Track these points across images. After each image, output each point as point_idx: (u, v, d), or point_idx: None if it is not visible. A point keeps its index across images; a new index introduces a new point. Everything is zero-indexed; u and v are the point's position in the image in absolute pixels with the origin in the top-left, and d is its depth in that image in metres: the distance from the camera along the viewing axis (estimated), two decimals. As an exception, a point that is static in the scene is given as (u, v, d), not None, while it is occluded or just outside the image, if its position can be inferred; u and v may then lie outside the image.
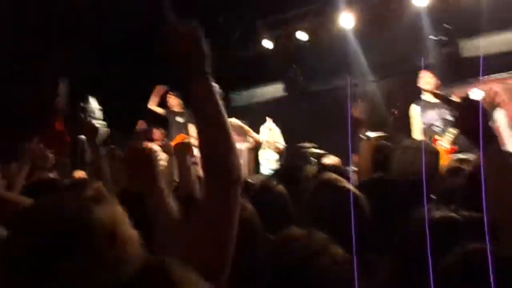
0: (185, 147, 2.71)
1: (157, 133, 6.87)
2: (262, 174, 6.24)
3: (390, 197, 1.63)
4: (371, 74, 7.80)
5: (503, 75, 5.95)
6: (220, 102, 1.10)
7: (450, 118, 4.62)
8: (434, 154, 2.22)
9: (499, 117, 5.61)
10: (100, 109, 7.87)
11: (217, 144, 1.08)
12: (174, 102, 6.80)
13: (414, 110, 5.13)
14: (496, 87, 5.79)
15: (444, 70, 6.30)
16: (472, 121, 1.39)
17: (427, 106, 4.90)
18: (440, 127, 4.81)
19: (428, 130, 4.82)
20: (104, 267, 0.82)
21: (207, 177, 1.08)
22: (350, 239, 1.47)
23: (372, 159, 2.59)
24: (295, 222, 1.76)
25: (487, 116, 1.38)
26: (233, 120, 6.89)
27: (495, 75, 5.89)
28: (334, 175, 1.77)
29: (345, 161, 4.78)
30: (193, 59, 1.08)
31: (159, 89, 6.88)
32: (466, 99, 1.46)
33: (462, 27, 6.74)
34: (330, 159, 5.15)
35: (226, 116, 1.10)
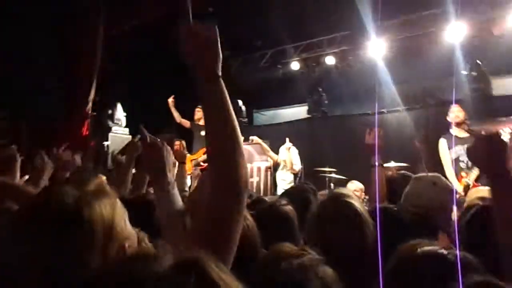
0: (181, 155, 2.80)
1: (177, 145, 6.97)
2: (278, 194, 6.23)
3: (392, 227, 1.60)
4: (398, 103, 7.73)
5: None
6: (230, 105, 1.08)
7: None
8: (446, 190, 2.16)
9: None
10: (125, 116, 8.09)
11: (224, 150, 1.06)
12: (200, 115, 6.91)
13: (442, 144, 5.04)
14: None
15: (474, 107, 6.20)
16: (480, 153, 1.38)
17: (455, 140, 4.81)
18: (465, 163, 4.71)
19: (455, 165, 4.74)
20: (98, 257, 0.85)
21: (214, 184, 1.05)
22: (348, 256, 1.45)
23: (387, 188, 2.53)
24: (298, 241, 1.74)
25: (502, 152, 1.36)
26: (255, 138, 6.92)
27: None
28: (345, 191, 1.76)
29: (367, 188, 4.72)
30: (207, 59, 1.08)
31: (171, 101, 7.08)
32: (486, 134, 1.43)
33: (495, 65, 6.63)
34: (354, 185, 5.08)
35: (236, 121, 1.08)
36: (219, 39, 1.09)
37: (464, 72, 6.69)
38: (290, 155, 6.49)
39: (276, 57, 9.02)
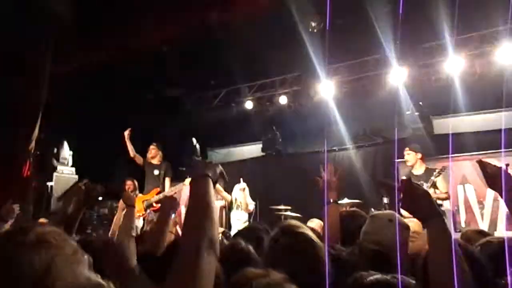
0: (173, 203, 2.76)
1: (129, 184, 6.73)
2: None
3: (348, 263, 1.61)
4: (348, 141, 8.01)
5: (473, 154, 6.17)
6: (213, 197, 1.32)
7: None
8: (403, 227, 2.21)
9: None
10: (71, 154, 7.74)
11: (202, 228, 1.20)
12: (154, 153, 6.73)
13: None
14: (466, 165, 6.04)
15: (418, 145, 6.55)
16: (408, 200, 1.49)
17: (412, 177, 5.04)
18: None
19: None
20: None
21: (186, 244, 1.18)
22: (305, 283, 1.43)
23: (340, 225, 2.54)
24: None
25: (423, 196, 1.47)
26: None
27: (466, 153, 6.12)
28: (296, 222, 1.76)
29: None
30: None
31: (127, 134, 6.80)
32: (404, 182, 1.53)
33: (434, 106, 7.11)
34: (314, 223, 5.06)
35: (214, 208, 1.28)
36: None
37: (408, 112, 7.11)
38: (244, 195, 6.46)
39: (230, 96, 9.15)
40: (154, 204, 6.45)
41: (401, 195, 1.50)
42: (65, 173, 7.47)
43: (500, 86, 6.36)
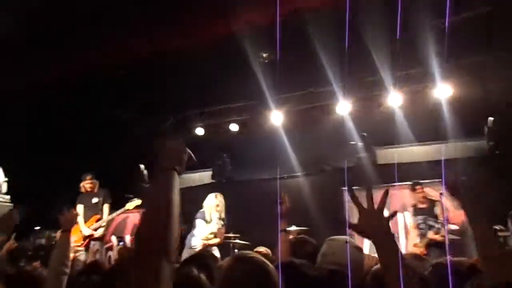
0: (71, 217, 2.68)
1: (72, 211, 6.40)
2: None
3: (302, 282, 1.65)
4: (296, 169, 8.18)
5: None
6: (176, 195, 1.24)
7: None
8: (358, 248, 2.34)
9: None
10: (6, 181, 7.23)
11: (158, 226, 1.15)
12: (91, 186, 6.50)
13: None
14: (405, 193, 6.38)
15: (362, 174, 6.85)
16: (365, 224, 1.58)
17: (417, 211, 5.32)
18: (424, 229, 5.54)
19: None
20: None
21: (140, 253, 1.11)
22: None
23: (291, 252, 2.60)
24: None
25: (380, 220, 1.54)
26: None
27: (407, 182, 6.46)
28: (249, 252, 1.77)
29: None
30: (174, 161, 1.29)
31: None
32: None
33: (378, 137, 7.50)
34: (261, 250, 5.04)
35: (176, 207, 1.22)
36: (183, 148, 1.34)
37: (352, 143, 7.43)
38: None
39: (181, 122, 9.08)
40: (94, 232, 6.18)
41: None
42: (-1, 201, 6.97)
43: (437, 120, 6.87)
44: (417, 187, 5.55)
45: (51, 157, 7.49)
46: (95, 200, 6.41)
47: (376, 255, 1.81)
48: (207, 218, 5.96)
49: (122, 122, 9.18)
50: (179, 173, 1.27)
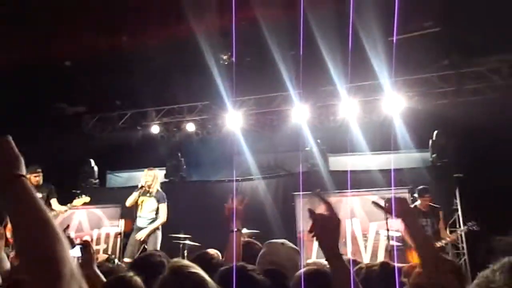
0: None
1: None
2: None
3: (247, 284, 1.68)
4: (252, 172, 8.23)
5: (362, 191, 6.78)
6: (39, 202, 1.02)
7: None
8: (293, 249, 2.45)
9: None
10: None
11: (41, 245, 0.97)
12: (38, 179, 6.13)
13: None
14: (354, 200, 6.61)
15: (315, 180, 7.02)
16: (319, 231, 1.62)
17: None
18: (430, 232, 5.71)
19: None
20: None
21: (32, 278, 0.95)
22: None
23: (241, 254, 2.63)
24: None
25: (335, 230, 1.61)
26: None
27: (355, 189, 6.69)
28: (185, 262, 1.76)
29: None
30: (5, 166, 1.06)
31: None
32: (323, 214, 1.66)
33: (332, 145, 7.72)
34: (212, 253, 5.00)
35: (48, 215, 1.01)
36: (11, 147, 1.10)
37: (307, 149, 7.60)
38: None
39: (136, 119, 8.89)
40: None
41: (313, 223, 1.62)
42: None
43: (388, 131, 7.18)
44: (426, 194, 5.85)
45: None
46: (39, 195, 6.09)
47: (323, 261, 1.89)
48: None
49: (75, 116, 8.86)
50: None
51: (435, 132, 7.14)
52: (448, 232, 6.10)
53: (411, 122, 7.33)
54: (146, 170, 6.12)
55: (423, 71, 7.41)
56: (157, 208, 5.96)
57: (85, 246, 2.39)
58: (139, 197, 5.97)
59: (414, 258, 5.05)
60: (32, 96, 7.17)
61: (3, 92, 6.91)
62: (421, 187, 5.95)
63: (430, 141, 7.21)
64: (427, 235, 2.02)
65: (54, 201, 6.18)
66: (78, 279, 0.98)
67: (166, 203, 6.03)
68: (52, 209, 5.99)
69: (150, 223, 5.93)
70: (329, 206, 1.64)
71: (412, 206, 5.71)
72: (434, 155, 7.10)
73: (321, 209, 1.67)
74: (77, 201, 6.19)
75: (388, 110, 7.45)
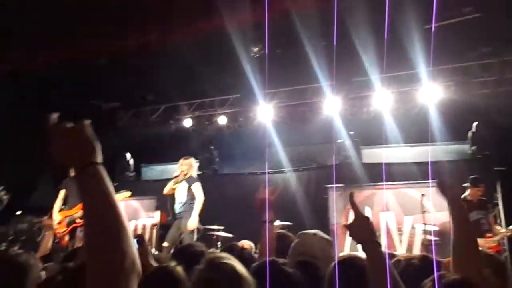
0: None
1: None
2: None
3: (279, 280, 1.67)
4: (283, 164, 8.22)
5: (397, 184, 6.62)
6: (112, 193, 1.02)
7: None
8: (325, 239, 2.42)
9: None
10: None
11: (109, 239, 0.98)
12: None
13: None
14: (388, 193, 6.47)
15: (348, 172, 6.92)
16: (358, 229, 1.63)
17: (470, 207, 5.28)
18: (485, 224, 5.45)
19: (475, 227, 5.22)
20: None
21: (95, 267, 0.97)
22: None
23: (275, 246, 2.63)
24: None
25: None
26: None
27: (391, 183, 6.55)
28: (223, 254, 1.77)
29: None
30: (76, 151, 1.06)
31: None
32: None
33: (365, 137, 7.57)
34: (244, 244, 5.04)
35: (119, 209, 1.02)
36: (88, 131, 1.09)
37: (339, 141, 7.49)
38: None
39: (169, 113, 9.05)
40: (78, 220, 6.11)
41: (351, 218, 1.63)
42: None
43: (424, 122, 6.97)
44: (480, 184, 5.56)
45: (31, 143, 7.39)
46: None
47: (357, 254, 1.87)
48: None
49: (110, 111, 9.12)
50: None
51: (475, 123, 6.85)
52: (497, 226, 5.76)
53: (448, 113, 7.07)
54: (182, 159, 6.19)
55: (462, 60, 7.12)
56: (188, 190, 5.97)
57: (141, 239, 2.46)
58: (174, 184, 6.05)
59: None
60: (68, 94, 7.42)
61: (40, 91, 7.20)
62: (474, 176, 5.56)
63: (470, 133, 6.93)
64: (470, 226, 1.91)
65: None
66: (138, 272, 0.99)
67: (198, 182, 6.05)
68: None
69: (182, 205, 5.96)
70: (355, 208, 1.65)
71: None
72: (474, 147, 6.82)
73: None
74: (119, 196, 6.35)
75: (424, 101, 7.22)
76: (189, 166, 6.10)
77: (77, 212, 6.10)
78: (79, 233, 5.91)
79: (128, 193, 6.35)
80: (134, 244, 1.01)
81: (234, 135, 8.66)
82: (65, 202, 6.16)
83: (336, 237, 5.72)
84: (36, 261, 1.93)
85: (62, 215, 5.93)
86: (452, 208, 1.90)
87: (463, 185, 5.64)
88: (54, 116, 1.10)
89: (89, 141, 1.07)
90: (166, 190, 6.09)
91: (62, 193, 6.12)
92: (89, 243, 1.00)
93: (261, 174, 7.90)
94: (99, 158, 1.05)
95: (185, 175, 6.04)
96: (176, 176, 6.06)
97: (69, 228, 5.96)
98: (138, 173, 9.03)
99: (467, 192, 5.42)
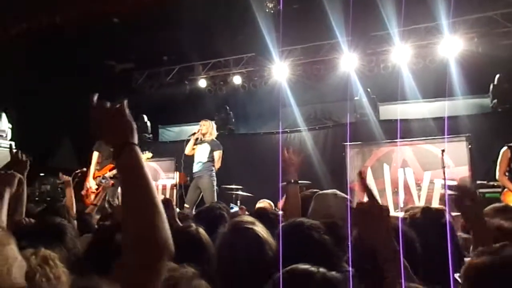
0: (8, 178, 2.51)
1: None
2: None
3: (303, 242, 1.69)
4: (299, 123, 8.19)
5: (415, 140, 6.56)
6: (147, 172, 1.05)
7: None
8: (345, 199, 2.36)
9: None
10: (10, 128, 7.29)
11: (144, 217, 1.01)
12: None
13: (506, 152, 4.78)
14: (406, 149, 6.44)
15: (365, 130, 6.86)
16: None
17: None
18: None
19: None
20: None
21: (130, 251, 0.99)
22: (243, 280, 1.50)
23: (300, 205, 2.65)
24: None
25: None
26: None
27: (407, 139, 6.49)
28: (247, 218, 1.79)
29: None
30: (120, 132, 1.10)
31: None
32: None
33: (382, 93, 7.43)
34: (262, 204, 5.14)
35: (153, 187, 1.05)
36: (127, 112, 1.12)
37: (356, 98, 7.37)
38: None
39: (183, 73, 8.99)
40: (109, 179, 6.32)
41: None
42: (3, 147, 7.05)
43: (443, 76, 6.78)
44: None
45: (52, 106, 7.49)
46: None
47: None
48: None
49: (124, 73, 9.10)
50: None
51: (497, 76, 6.64)
52: None
53: (469, 66, 6.85)
54: (202, 121, 6.24)
55: (485, 10, 6.80)
56: (210, 153, 6.06)
57: (168, 203, 2.51)
58: (195, 145, 6.13)
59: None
60: (83, 54, 7.40)
61: (54, 53, 7.19)
62: None
63: (491, 86, 6.73)
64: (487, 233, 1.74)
65: None
66: (170, 252, 1.02)
67: (221, 150, 6.13)
68: None
69: (202, 165, 6.05)
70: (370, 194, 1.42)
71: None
72: (495, 101, 6.65)
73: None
74: (145, 155, 6.50)
75: (444, 54, 6.99)
76: (208, 127, 6.15)
77: (107, 172, 6.31)
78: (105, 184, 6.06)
79: (150, 155, 6.45)
80: (166, 222, 1.03)
81: (249, 94, 8.59)
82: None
83: (355, 194, 5.77)
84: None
85: (95, 175, 6.16)
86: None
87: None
88: (95, 96, 1.13)
89: (128, 121, 1.11)
90: (187, 151, 6.16)
91: (95, 155, 6.27)
92: (126, 228, 1.02)
93: (278, 134, 7.91)
94: (135, 138, 1.10)
95: (203, 135, 6.10)
96: (194, 134, 6.12)
97: (100, 187, 6.10)
98: (155, 134, 9.12)
99: (504, 149, 5.06)
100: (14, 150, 2.50)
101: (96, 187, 6.03)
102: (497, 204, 2.17)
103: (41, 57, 7.28)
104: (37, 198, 7.07)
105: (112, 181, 6.04)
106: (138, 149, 1.08)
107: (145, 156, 6.34)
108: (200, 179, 5.99)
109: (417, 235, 1.62)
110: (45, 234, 1.65)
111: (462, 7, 6.26)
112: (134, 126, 1.11)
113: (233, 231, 1.69)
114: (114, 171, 6.27)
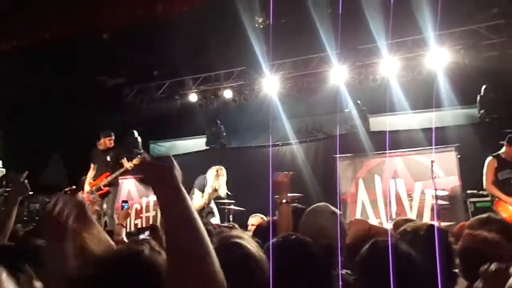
0: (21, 188, 2.53)
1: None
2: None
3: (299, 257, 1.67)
4: (290, 136, 8.22)
5: (405, 151, 6.61)
6: (193, 209, 1.05)
7: None
8: (334, 214, 2.37)
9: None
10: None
11: (191, 252, 0.98)
12: (110, 143, 6.62)
13: (491, 162, 5.02)
14: (397, 161, 6.48)
15: (355, 141, 6.91)
16: None
17: (504, 164, 4.99)
18: None
19: (504, 185, 4.92)
20: None
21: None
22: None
23: (291, 226, 2.66)
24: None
25: None
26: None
27: (399, 150, 6.54)
28: (236, 233, 1.76)
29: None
30: (167, 181, 1.09)
31: None
32: None
33: (371, 105, 7.51)
34: (255, 219, 5.09)
35: (200, 221, 1.03)
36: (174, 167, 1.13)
37: (346, 110, 7.44)
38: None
39: (174, 88, 9.00)
40: (102, 188, 6.48)
41: None
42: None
43: (431, 88, 6.88)
44: None
45: (41, 122, 7.42)
46: (108, 158, 6.60)
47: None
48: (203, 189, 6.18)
49: (115, 88, 9.08)
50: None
51: (484, 86, 6.76)
52: None
53: (456, 77, 6.97)
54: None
55: (470, 22, 6.95)
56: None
57: (155, 230, 2.49)
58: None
59: (504, 210, 4.79)
60: (73, 70, 7.39)
61: (46, 68, 7.16)
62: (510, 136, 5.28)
63: (478, 97, 6.85)
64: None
65: (124, 160, 6.64)
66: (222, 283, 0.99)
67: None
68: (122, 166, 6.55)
69: None
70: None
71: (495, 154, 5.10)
72: (482, 111, 6.76)
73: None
74: (136, 160, 6.58)
75: (432, 66, 7.11)
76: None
77: (103, 180, 6.46)
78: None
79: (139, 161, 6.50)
80: (217, 262, 0.99)
81: (240, 108, 8.62)
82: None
83: (347, 206, 5.78)
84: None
85: (90, 186, 6.47)
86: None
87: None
88: (146, 156, 1.18)
89: (175, 175, 1.10)
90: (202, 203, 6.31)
91: (92, 166, 6.63)
92: (175, 267, 0.98)
93: (268, 147, 7.92)
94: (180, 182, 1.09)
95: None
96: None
97: (89, 202, 6.13)
98: (146, 149, 9.07)
99: (502, 150, 5.14)
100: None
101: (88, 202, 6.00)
102: (480, 216, 2.18)
103: (30, 73, 7.24)
104: (25, 218, 6.94)
105: (107, 188, 6.38)
106: (180, 189, 1.07)
107: (134, 162, 6.47)
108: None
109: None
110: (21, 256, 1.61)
111: (448, 20, 6.40)
112: (180, 172, 1.12)
113: (221, 246, 1.67)
114: (110, 178, 6.41)
